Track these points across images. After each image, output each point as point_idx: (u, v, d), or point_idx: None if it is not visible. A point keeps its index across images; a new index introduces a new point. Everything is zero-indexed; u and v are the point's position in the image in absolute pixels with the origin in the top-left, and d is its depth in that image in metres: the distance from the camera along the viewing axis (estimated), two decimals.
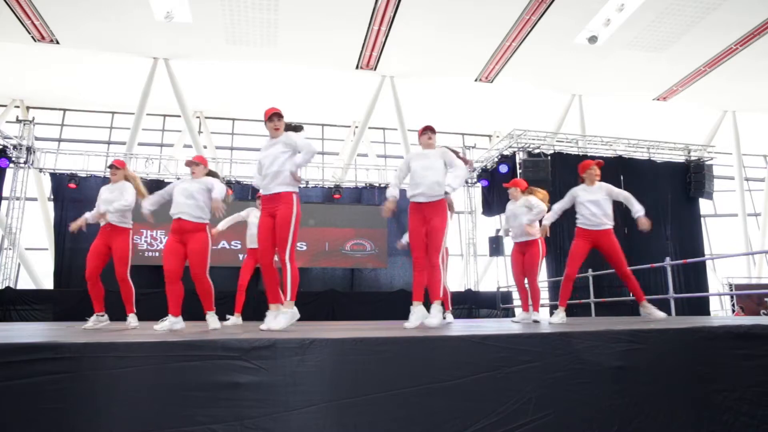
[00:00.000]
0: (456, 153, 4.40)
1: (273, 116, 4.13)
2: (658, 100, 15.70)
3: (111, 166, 5.22)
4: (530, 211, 5.72)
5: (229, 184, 12.88)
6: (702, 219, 14.01)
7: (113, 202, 4.95)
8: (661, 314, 5.08)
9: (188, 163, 4.70)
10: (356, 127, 16.13)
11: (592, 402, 2.49)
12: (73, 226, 5.06)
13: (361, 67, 13.90)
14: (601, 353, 2.58)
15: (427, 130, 4.47)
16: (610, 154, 13.14)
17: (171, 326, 4.11)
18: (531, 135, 12.52)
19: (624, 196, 5.27)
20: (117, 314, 5.06)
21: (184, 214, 4.42)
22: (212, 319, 4.42)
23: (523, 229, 5.77)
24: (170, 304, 4.30)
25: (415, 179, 4.31)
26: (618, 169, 12.80)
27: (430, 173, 4.22)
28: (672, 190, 13.00)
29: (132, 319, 4.96)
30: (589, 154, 12.93)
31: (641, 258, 11.42)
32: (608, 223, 5.23)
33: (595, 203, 5.22)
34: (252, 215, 6.91)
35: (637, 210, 5.20)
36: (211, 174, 4.83)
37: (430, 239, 4.18)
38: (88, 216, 5.10)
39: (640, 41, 12.57)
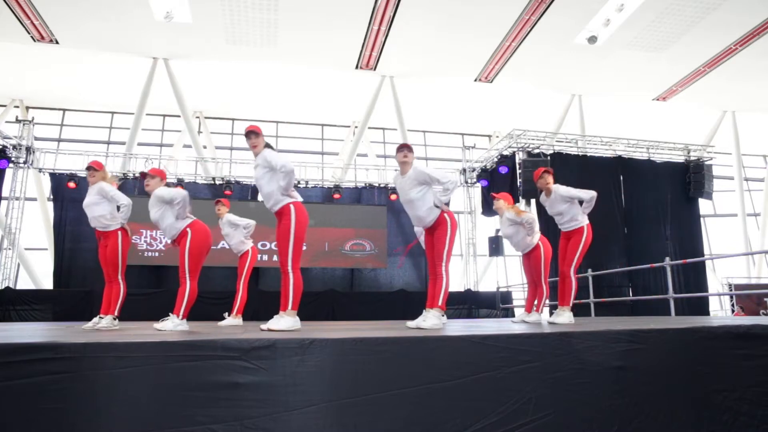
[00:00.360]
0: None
1: (249, 134, 4.07)
2: (657, 100, 15.71)
3: (89, 168, 5.04)
4: (519, 228, 5.78)
5: (228, 184, 12.89)
6: (702, 219, 14.01)
7: (94, 207, 4.93)
8: (564, 320, 4.95)
9: (143, 175, 4.64)
10: (356, 127, 16.13)
11: (592, 402, 2.49)
12: None
13: (361, 67, 13.90)
14: (601, 353, 2.58)
15: (404, 148, 4.26)
16: (610, 154, 13.14)
17: (174, 327, 4.10)
18: (531, 135, 12.52)
19: (588, 197, 5.09)
20: (123, 316, 5.03)
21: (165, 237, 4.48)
22: (168, 322, 4.11)
23: (524, 242, 5.83)
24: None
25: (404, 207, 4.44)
26: (618, 169, 12.82)
27: (410, 207, 4.26)
28: (671, 190, 13.00)
29: (106, 321, 4.73)
30: (588, 154, 12.94)
31: (641, 258, 11.44)
32: (580, 222, 5.18)
33: (558, 215, 5.26)
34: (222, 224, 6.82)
35: None
36: (170, 185, 4.75)
37: (433, 248, 4.22)
38: None
39: (639, 41, 12.58)
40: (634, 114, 16.65)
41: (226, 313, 6.58)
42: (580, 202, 5.15)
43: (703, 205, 14.55)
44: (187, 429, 2.06)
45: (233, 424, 2.09)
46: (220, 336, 2.49)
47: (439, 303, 4.04)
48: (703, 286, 12.66)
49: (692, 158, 13.52)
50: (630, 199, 12.67)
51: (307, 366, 2.22)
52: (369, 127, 15.60)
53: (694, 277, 12.46)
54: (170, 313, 4.20)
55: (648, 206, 12.70)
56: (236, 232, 6.70)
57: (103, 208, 4.90)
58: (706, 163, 13.37)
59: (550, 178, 5.30)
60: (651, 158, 13.38)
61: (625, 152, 13.28)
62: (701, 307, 12.37)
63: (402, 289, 12.65)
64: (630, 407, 2.52)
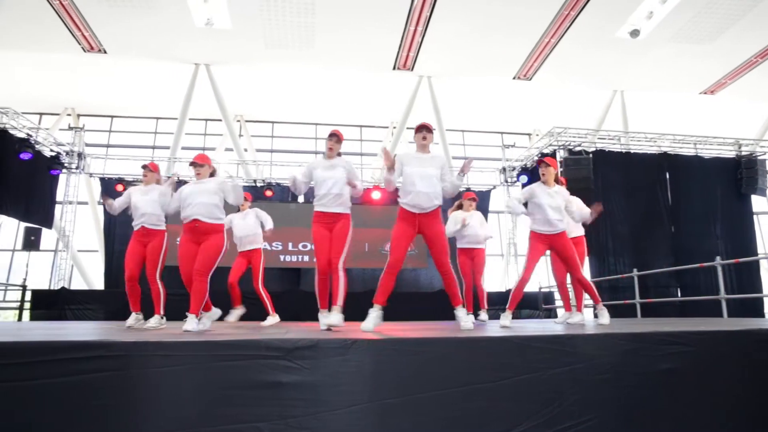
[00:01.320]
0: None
1: (333, 136, 4.48)
2: (705, 93, 15.16)
3: (145, 167, 5.30)
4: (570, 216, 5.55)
5: (269, 185, 13.09)
6: (755, 216, 13.44)
7: (154, 205, 5.09)
8: (605, 321, 4.86)
9: (193, 164, 4.69)
10: (394, 127, 16.16)
11: (640, 406, 2.43)
12: (108, 202, 5.35)
13: (398, 68, 13.91)
14: (647, 355, 2.51)
15: (422, 129, 4.13)
16: (655, 151, 12.75)
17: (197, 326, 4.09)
18: (572, 132, 12.26)
19: (585, 214, 5.23)
20: (167, 315, 5.16)
21: (202, 216, 4.42)
22: (191, 322, 4.07)
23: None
24: (193, 303, 4.19)
25: (408, 187, 4.06)
26: (663, 166, 12.42)
27: (424, 182, 4.01)
28: (722, 187, 12.50)
29: (154, 321, 4.81)
30: (632, 151, 12.59)
31: (689, 257, 11.05)
32: (577, 233, 5.25)
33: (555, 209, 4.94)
34: (236, 219, 6.69)
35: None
36: (213, 174, 4.86)
37: (434, 244, 4.10)
38: (116, 205, 5.32)
39: (685, 33, 12.16)
40: (680, 108, 16.10)
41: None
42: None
43: (757, 202, 13.94)
44: (232, 427, 2.11)
45: (278, 423, 2.12)
46: (264, 336, 2.53)
47: (459, 299, 4.27)
48: (757, 286, 12.14)
49: (744, 153, 12.98)
50: (677, 197, 12.25)
51: (349, 366, 2.24)
52: (407, 128, 15.59)
53: (747, 277, 11.96)
54: (189, 313, 4.13)
55: (696, 204, 12.25)
56: (255, 226, 6.60)
57: (159, 207, 5.11)
58: (759, 158, 12.81)
59: (549, 170, 5.02)
60: (699, 154, 12.90)
61: (671, 148, 12.85)
62: (756, 308, 11.85)
63: (442, 289, 12.55)
64: (681, 412, 2.44)
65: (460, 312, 4.00)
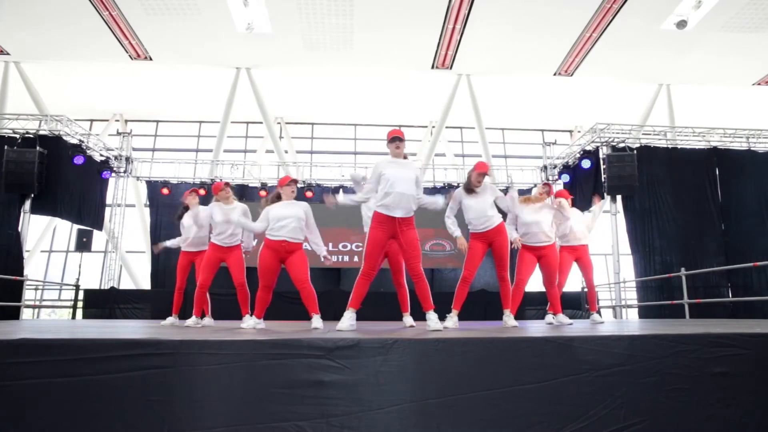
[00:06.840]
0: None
1: (396, 139, 4.14)
2: (759, 84, 14.53)
3: (227, 184, 5.53)
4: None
5: (310, 186, 13.24)
6: None
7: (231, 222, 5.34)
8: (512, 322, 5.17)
9: (286, 185, 4.77)
10: (433, 127, 16.11)
11: (693, 410, 2.35)
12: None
13: (437, 67, 13.85)
14: (699, 358, 2.43)
15: (396, 139, 4.11)
16: (703, 146, 12.29)
17: (255, 325, 4.48)
18: (615, 129, 11.94)
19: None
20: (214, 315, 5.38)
21: (289, 238, 4.55)
22: (317, 320, 4.31)
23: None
24: (258, 308, 4.62)
25: (387, 188, 4.01)
26: (713, 161, 11.96)
27: (405, 185, 3.99)
28: None
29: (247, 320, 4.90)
30: (679, 147, 12.18)
31: (741, 256, 10.62)
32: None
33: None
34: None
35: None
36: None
37: (409, 249, 4.05)
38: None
39: (737, 22, 11.66)
40: (730, 101, 15.46)
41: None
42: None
43: None
44: (275, 425, 2.14)
45: (319, 422, 2.14)
46: (306, 335, 2.56)
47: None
48: None
49: None
50: (727, 193, 11.77)
51: (391, 366, 2.25)
52: (446, 127, 15.52)
53: None
54: (313, 314, 4.38)
55: (749, 200, 11.74)
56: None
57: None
58: None
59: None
60: (752, 148, 12.37)
61: (721, 143, 12.36)
62: None
63: (482, 289, 12.45)
64: (737, 417, 2.35)
65: (432, 315, 4.00)
